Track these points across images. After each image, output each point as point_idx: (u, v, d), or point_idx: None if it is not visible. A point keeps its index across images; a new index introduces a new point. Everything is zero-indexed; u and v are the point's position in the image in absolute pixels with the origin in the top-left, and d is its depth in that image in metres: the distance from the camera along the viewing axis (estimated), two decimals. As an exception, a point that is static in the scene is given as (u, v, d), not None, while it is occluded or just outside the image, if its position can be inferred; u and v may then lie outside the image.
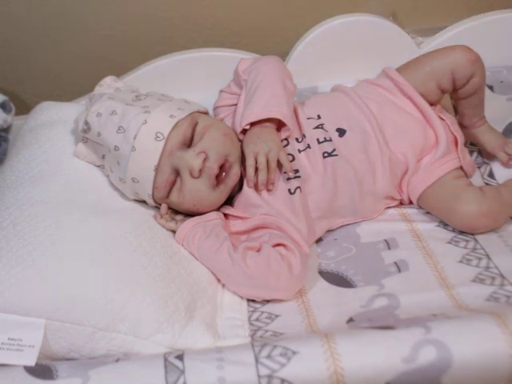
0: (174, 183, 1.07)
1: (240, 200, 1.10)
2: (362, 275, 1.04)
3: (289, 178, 1.08)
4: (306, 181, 1.09)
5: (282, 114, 1.09)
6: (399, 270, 1.03)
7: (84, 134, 1.12)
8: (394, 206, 1.19)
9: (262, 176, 1.05)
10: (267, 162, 1.06)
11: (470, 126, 1.23)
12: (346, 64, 1.46)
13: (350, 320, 0.94)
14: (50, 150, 1.16)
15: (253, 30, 1.51)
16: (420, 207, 1.16)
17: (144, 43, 1.51)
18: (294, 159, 1.10)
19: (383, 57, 1.37)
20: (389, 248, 1.08)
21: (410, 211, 1.17)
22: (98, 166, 1.14)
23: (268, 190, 1.08)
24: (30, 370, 0.83)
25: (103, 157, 1.10)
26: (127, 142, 1.04)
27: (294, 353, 0.80)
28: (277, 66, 1.17)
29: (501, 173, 1.21)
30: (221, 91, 1.26)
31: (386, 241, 1.10)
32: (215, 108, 1.25)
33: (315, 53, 1.45)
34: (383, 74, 1.22)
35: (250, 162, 1.06)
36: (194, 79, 1.46)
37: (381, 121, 1.14)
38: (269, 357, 0.80)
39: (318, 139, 1.12)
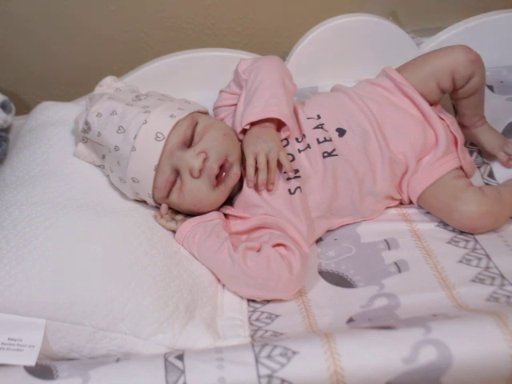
0: (174, 183, 1.07)
1: (240, 200, 1.10)
2: (362, 275, 1.04)
3: (289, 178, 1.08)
4: (305, 181, 1.09)
5: (282, 113, 1.09)
6: (399, 270, 1.03)
7: (84, 133, 1.12)
8: (393, 206, 1.19)
9: (262, 176, 1.05)
10: (267, 161, 1.06)
11: (470, 126, 1.23)
12: (346, 64, 1.47)
13: (350, 320, 0.94)
14: (51, 150, 1.16)
15: (253, 29, 1.51)
16: (420, 207, 1.16)
17: (144, 43, 1.51)
18: (293, 159, 1.10)
19: (383, 57, 1.38)
20: (389, 248, 1.08)
21: (410, 211, 1.17)
22: (98, 166, 1.14)
23: (268, 190, 1.08)
24: (30, 369, 0.83)
25: (103, 157, 1.10)
26: (127, 142, 1.04)
27: (294, 353, 0.80)
28: (277, 66, 1.17)
29: (501, 173, 1.21)
30: (221, 91, 1.26)
31: (386, 241, 1.10)
32: (215, 108, 1.25)
33: (315, 53, 1.45)
34: (383, 74, 1.22)
35: (250, 162, 1.06)
36: (194, 79, 1.46)
37: (381, 121, 1.14)
38: (269, 357, 0.80)
39: (317, 139, 1.12)
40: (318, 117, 1.16)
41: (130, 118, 1.05)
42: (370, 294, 0.99)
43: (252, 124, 1.10)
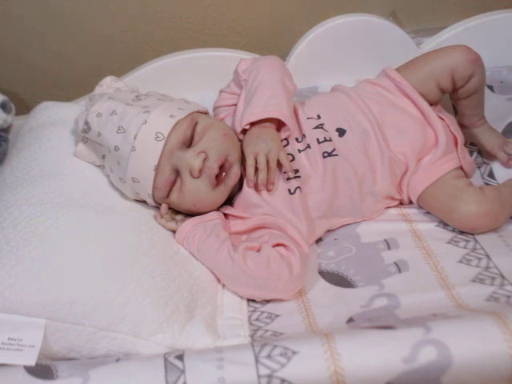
0: (174, 183, 1.07)
1: (240, 200, 1.10)
2: (362, 275, 1.03)
3: (289, 178, 1.08)
4: (305, 181, 1.09)
5: (282, 113, 1.09)
6: (399, 270, 1.03)
7: (84, 133, 1.12)
8: (393, 206, 1.18)
9: (262, 176, 1.05)
10: (267, 161, 1.06)
11: (469, 126, 1.23)
12: (346, 64, 1.47)
13: (350, 320, 0.94)
14: (50, 150, 1.16)
15: (253, 30, 1.51)
16: (420, 207, 1.16)
17: (144, 43, 1.51)
18: (293, 159, 1.10)
19: (383, 57, 1.38)
20: (389, 248, 1.08)
21: (410, 211, 1.17)
22: (98, 166, 1.14)
23: (268, 190, 1.08)
24: (30, 369, 0.83)
25: (103, 157, 1.10)
26: (127, 142, 1.04)
27: (294, 353, 0.80)
28: (277, 66, 1.17)
29: (501, 173, 1.21)
30: (221, 91, 1.26)
31: (386, 241, 1.10)
32: (215, 108, 1.25)
33: (315, 53, 1.45)
34: (383, 74, 1.22)
35: (249, 162, 1.06)
36: (194, 79, 1.46)
37: (381, 121, 1.14)
38: (269, 357, 0.80)
39: (317, 139, 1.12)
40: (318, 117, 1.16)
41: (130, 118, 1.05)
42: (369, 294, 0.99)
43: (252, 124, 1.10)
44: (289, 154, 1.10)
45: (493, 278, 0.98)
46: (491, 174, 1.22)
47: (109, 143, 1.07)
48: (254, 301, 1.02)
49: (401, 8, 1.52)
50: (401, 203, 1.19)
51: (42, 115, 1.27)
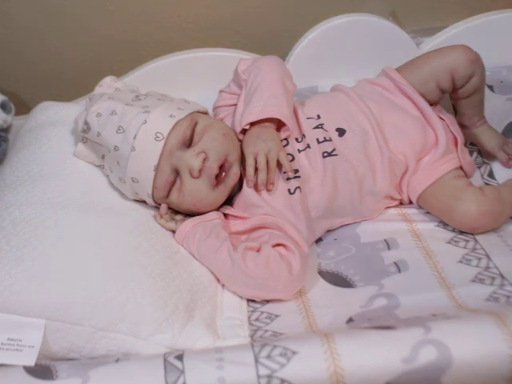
0: (173, 183, 1.07)
1: (240, 200, 1.10)
2: (361, 275, 1.03)
3: (288, 178, 1.08)
4: (305, 181, 1.09)
5: (282, 113, 1.09)
6: (399, 270, 1.03)
7: (84, 134, 1.12)
8: (393, 206, 1.18)
9: (262, 176, 1.05)
10: (267, 161, 1.06)
11: (469, 126, 1.23)
12: (346, 64, 1.46)
13: (350, 320, 0.94)
14: (50, 150, 1.16)
15: (253, 29, 1.51)
16: (420, 207, 1.16)
17: (144, 43, 1.51)
18: (293, 159, 1.10)
19: (383, 57, 1.37)
20: (389, 248, 1.08)
21: (410, 211, 1.17)
22: (98, 166, 1.14)
23: (268, 190, 1.08)
24: (29, 370, 0.82)
25: (103, 157, 1.10)
26: (127, 142, 1.04)
27: (294, 353, 0.80)
28: (277, 66, 1.17)
29: (501, 173, 1.21)
30: (221, 91, 1.26)
31: (385, 241, 1.10)
32: (215, 108, 1.25)
33: (315, 53, 1.45)
34: (383, 74, 1.22)
35: (249, 162, 1.06)
36: (194, 79, 1.46)
37: (381, 120, 1.14)
38: (268, 357, 0.80)
39: (317, 139, 1.12)
40: (318, 117, 1.16)
41: (130, 118, 1.05)
42: (369, 294, 0.99)
43: (252, 124, 1.10)
44: (288, 154, 1.10)
45: (493, 278, 0.98)
46: (491, 174, 1.22)
47: (108, 143, 1.07)
48: (253, 301, 1.02)
49: (401, 8, 1.52)
50: (401, 203, 1.19)
51: (42, 115, 1.27)
